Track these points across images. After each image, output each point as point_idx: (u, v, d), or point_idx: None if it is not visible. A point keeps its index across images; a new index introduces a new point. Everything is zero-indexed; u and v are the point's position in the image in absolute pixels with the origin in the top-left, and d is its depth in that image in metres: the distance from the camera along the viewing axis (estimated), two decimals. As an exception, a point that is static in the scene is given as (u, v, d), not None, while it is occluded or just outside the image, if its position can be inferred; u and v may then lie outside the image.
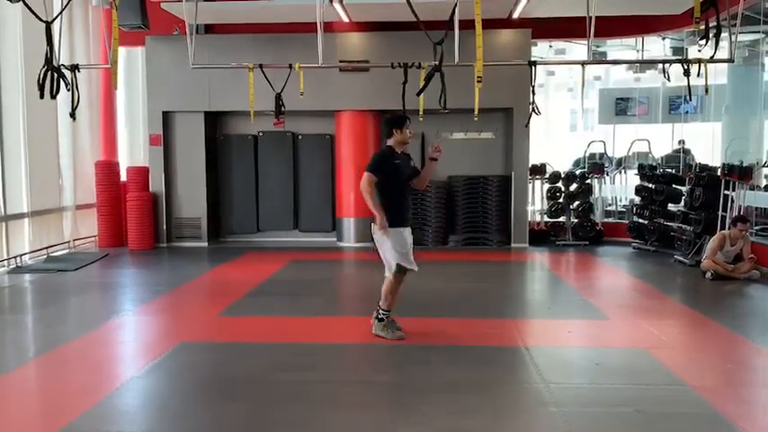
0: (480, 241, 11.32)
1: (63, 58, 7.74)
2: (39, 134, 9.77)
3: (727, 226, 8.80)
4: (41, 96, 6.67)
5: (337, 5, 9.76)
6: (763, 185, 11.37)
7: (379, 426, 4.02)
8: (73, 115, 8.10)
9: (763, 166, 11.55)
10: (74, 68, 7.96)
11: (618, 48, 15.29)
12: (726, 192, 9.25)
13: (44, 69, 6.68)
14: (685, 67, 7.58)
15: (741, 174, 9.08)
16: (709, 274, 8.32)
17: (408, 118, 5.82)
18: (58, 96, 7.11)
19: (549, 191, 11.85)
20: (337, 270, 9.76)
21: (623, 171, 13.92)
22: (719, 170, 9.60)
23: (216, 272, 9.34)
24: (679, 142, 14.20)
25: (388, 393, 4.56)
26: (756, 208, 10.29)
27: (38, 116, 9.61)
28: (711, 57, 7.22)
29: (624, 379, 4.75)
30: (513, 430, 3.92)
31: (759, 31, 12.60)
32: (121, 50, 11.06)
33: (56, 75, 6.73)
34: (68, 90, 7.42)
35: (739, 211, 9.02)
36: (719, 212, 9.28)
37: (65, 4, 6.94)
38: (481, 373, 4.81)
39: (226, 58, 10.12)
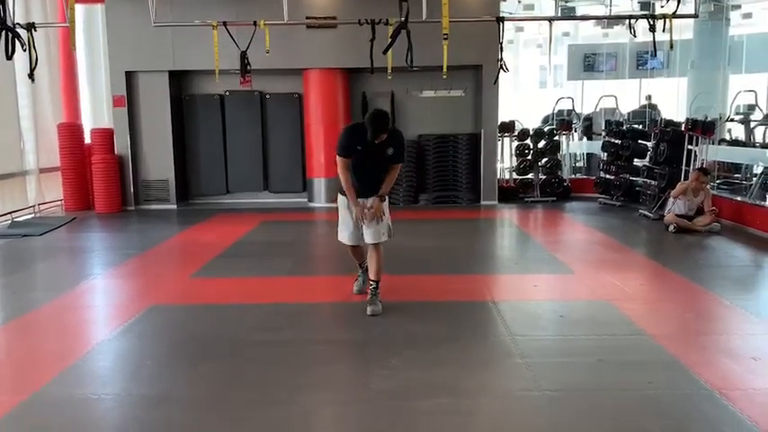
0: (450, 199, 11.41)
1: (18, 16, 7.49)
2: (-3, 97, 9.50)
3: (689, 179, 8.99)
4: (-3, 57, 6.46)
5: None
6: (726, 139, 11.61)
7: (351, 380, 4.11)
8: (32, 76, 7.90)
9: (726, 120, 11.77)
10: (30, 27, 7.73)
11: (586, 3, 15.27)
12: (689, 146, 9.43)
13: (-2, 29, 6.45)
14: (651, 22, 7.65)
15: (704, 129, 9.24)
16: (671, 228, 8.54)
17: (370, 127, 4.88)
18: (16, 57, 6.90)
19: (517, 148, 11.94)
20: (308, 230, 9.78)
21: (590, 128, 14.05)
22: (683, 125, 9.77)
23: (186, 234, 9.29)
24: (646, 98, 14.36)
25: (358, 349, 4.66)
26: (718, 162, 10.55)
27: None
28: (675, 12, 7.29)
29: (587, 330, 4.90)
30: (480, 381, 4.03)
31: (724, -14, 12.67)
32: (80, 8, 10.73)
33: (10, 35, 6.51)
34: (25, 50, 7.20)
35: (701, 165, 9.22)
36: (683, 167, 9.48)
37: (17, -41, 6.68)
38: (449, 328, 4.92)
39: (189, 15, 9.88)
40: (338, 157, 5.20)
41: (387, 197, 5.32)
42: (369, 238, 5.24)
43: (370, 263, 5.35)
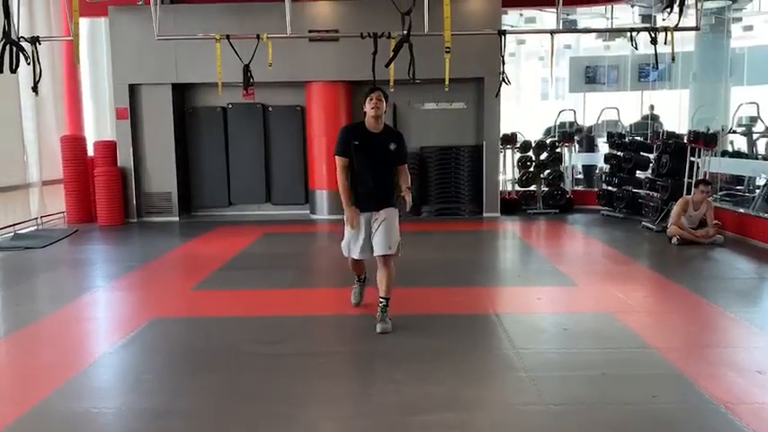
0: (453, 211, 11.40)
1: (22, 30, 7.55)
2: (0, 109, 9.52)
3: (692, 192, 8.98)
4: (0, 71, 6.51)
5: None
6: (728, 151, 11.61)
7: (353, 394, 4.09)
8: (35, 89, 7.95)
9: (729, 132, 11.78)
10: (34, 41, 7.78)
11: (588, 16, 15.35)
12: (692, 158, 9.42)
13: (2, 42, 6.51)
14: (653, 35, 7.67)
15: (706, 141, 9.24)
16: (674, 240, 8.51)
17: (377, 88, 5.09)
18: (20, 70, 6.95)
19: (520, 160, 11.95)
20: (310, 243, 9.77)
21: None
22: (685, 137, 9.77)
23: (188, 246, 9.28)
24: (650, 107, 14.39)
25: (360, 363, 4.63)
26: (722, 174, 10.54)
27: (-2, 91, 9.37)
28: (676, 25, 7.31)
29: (591, 343, 4.87)
30: (483, 395, 4.01)
31: (725, -1, 12.73)
32: (84, 22, 10.80)
33: (15, 48, 6.56)
34: (29, 64, 7.25)
35: (704, 177, 9.21)
36: (685, 179, 9.47)
37: (22, -26, 6.75)
38: (453, 341, 4.89)
39: (192, 28, 9.93)
40: (337, 158, 5.13)
41: (395, 207, 5.23)
42: (377, 248, 5.08)
43: (380, 280, 5.12)
